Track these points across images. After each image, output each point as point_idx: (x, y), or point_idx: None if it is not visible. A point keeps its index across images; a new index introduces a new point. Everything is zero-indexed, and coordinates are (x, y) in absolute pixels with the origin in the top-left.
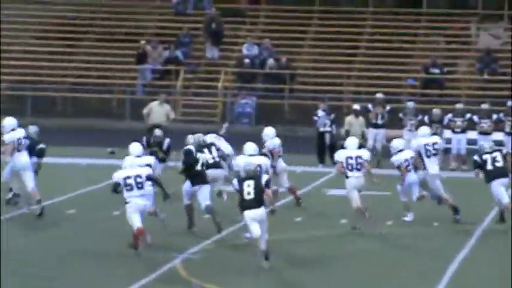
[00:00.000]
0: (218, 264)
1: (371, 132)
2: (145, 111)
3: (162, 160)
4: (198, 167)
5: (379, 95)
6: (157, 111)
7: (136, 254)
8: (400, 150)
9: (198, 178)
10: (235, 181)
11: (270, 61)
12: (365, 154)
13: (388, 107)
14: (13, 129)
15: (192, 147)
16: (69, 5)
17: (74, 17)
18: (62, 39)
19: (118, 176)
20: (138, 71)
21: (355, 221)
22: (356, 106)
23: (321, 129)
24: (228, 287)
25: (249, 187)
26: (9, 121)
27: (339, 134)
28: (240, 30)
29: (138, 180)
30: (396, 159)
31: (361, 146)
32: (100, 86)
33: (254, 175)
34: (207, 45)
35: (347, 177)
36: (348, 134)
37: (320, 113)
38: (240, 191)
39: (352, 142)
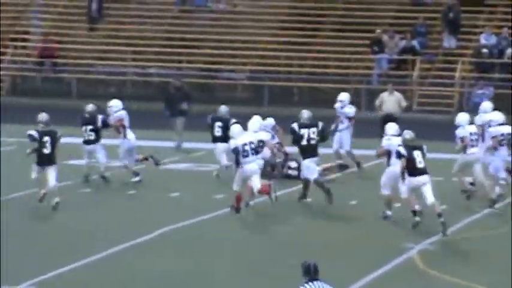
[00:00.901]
0: (455, 256)
1: None
2: (377, 102)
3: None
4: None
5: None
6: (389, 100)
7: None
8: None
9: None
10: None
11: (509, 51)
12: None
13: None
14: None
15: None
16: None
17: (311, 7)
18: (300, 29)
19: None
20: (374, 61)
21: None
22: None
23: None
24: (464, 279)
25: (418, 157)
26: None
27: None
28: (477, 20)
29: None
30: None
31: None
32: (337, 76)
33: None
34: (445, 35)
35: None
36: None
37: None
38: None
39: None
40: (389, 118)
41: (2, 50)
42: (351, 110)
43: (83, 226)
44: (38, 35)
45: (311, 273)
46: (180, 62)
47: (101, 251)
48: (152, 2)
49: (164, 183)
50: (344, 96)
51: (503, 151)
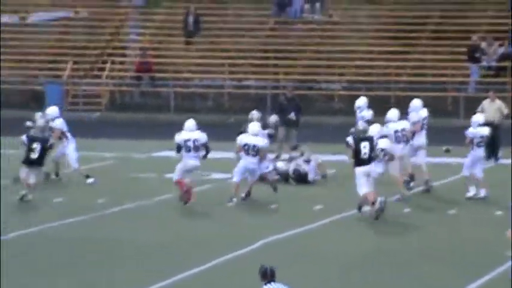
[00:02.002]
0: None
1: None
2: (478, 109)
3: None
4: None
5: None
6: (490, 108)
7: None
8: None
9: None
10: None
11: None
12: None
13: None
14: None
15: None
16: (403, 4)
17: (407, 16)
18: (396, 38)
19: None
20: (470, 68)
21: None
22: None
23: None
24: None
25: (365, 148)
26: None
27: None
28: None
29: None
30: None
31: None
32: (434, 84)
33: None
34: None
35: None
36: None
37: None
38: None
39: None
40: (490, 126)
41: (100, 65)
42: (367, 114)
43: (184, 237)
44: (136, 50)
45: (267, 276)
46: (276, 73)
47: (205, 261)
48: (248, 14)
49: (262, 194)
50: (361, 101)
51: (479, 152)
